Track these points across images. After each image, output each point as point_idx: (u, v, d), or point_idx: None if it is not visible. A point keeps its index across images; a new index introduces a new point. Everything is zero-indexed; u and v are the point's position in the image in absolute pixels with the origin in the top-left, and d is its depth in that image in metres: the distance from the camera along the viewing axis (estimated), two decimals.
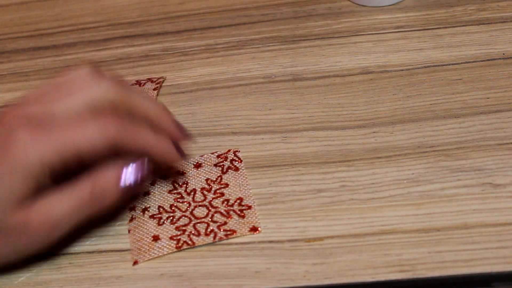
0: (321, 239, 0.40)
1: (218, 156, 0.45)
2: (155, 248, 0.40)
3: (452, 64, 0.49)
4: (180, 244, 0.40)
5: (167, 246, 0.40)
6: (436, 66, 0.49)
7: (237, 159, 0.45)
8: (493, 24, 0.52)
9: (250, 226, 0.41)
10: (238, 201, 0.43)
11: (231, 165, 0.45)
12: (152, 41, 0.56)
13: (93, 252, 0.41)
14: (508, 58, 0.49)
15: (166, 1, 0.60)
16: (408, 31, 0.52)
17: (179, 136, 0.42)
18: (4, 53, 0.57)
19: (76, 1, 0.61)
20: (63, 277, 0.40)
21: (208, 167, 0.45)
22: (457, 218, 0.40)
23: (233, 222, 0.41)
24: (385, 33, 0.52)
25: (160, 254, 0.40)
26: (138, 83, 0.51)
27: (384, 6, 0.55)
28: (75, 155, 0.37)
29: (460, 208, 0.40)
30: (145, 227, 0.42)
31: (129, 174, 0.39)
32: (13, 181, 0.37)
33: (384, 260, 0.38)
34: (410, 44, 0.51)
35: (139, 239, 0.41)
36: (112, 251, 0.41)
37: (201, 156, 0.45)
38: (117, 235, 0.42)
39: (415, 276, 0.37)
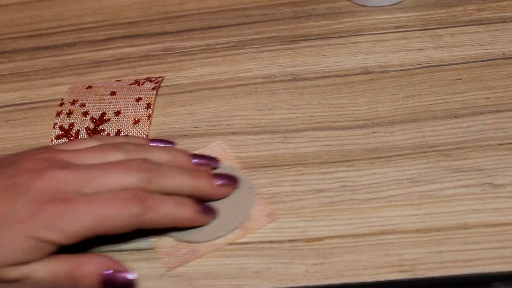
0: (321, 239, 0.40)
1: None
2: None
3: (452, 64, 0.49)
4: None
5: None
6: (436, 66, 0.49)
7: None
8: (493, 24, 0.51)
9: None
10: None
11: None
12: (152, 41, 0.56)
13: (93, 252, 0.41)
14: (508, 58, 0.49)
15: (166, 1, 0.60)
16: (408, 31, 0.52)
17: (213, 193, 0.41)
18: (4, 53, 0.57)
19: (76, 1, 0.61)
20: None
21: None
22: (457, 218, 0.40)
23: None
24: (385, 33, 0.52)
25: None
26: (137, 82, 0.51)
27: (384, 6, 0.55)
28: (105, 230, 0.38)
29: (460, 208, 0.40)
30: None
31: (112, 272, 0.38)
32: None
33: (384, 260, 0.38)
34: (410, 44, 0.51)
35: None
36: (112, 251, 0.41)
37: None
38: (117, 235, 0.41)
39: (415, 276, 0.37)
